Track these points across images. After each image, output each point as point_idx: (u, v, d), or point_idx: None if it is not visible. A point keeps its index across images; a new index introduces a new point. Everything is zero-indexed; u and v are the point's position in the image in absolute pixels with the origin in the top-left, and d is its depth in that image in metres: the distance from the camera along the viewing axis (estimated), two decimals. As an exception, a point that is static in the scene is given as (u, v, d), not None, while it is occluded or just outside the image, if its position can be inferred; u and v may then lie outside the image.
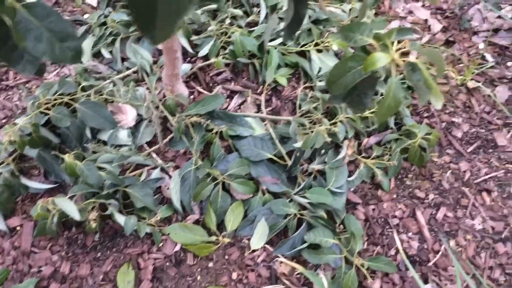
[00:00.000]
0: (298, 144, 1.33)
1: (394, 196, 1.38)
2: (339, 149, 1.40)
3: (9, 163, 1.33)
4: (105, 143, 1.42)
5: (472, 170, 1.43)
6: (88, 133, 1.40)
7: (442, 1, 1.97)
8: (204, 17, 1.72)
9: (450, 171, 1.43)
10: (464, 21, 1.79)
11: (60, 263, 1.22)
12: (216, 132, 1.41)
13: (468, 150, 1.48)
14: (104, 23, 1.68)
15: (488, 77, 1.66)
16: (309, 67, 1.58)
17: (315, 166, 1.36)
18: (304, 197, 1.29)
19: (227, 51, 1.62)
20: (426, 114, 1.57)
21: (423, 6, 1.96)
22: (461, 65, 1.69)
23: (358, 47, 0.76)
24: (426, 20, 1.89)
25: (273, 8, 1.61)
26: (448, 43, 1.79)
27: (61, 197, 1.18)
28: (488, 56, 1.72)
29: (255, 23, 1.74)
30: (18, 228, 1.28)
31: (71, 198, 1.24)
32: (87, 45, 1.63)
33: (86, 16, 1.79)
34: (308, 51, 1.62)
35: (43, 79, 1.61)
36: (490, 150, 1.48)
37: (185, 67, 1.58)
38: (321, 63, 1.59)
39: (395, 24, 1.87)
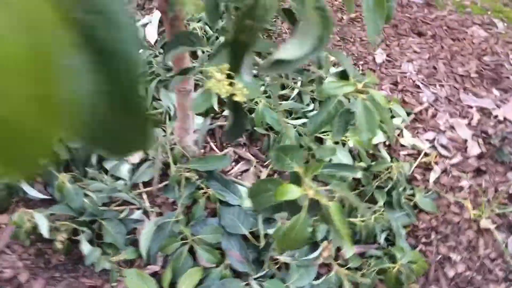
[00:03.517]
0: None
1: (357, 315, 1.32)
2: (316, 247, 1.37)
3: (18, 164, 1.46)
4: (106, 172, 1.51)
5: (451, 315, 1.33)
6: (94, 159, 1.50)
7: (492, 125, 1.88)
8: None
9: (426, 308, 1.34)
10: (503, 153, 1.69)
11: (21, 271, 1.30)
12: (204, 193, 1.45)
13: (455, 293, 1.38)
14: (150, 62, 1.81)
15: (508, 221, 1.54)
16: (319, 155, 1.58)
17: (283, 257, 1.34)
18: (261, 286, 1.27)
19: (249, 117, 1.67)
20: (424, 240, 1.49)
21: (468, 124, 1.88)
22: (485, 199, 1.59)
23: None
24: (465, 141, 1.81)
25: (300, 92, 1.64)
26: (478, 172, 1.70)
27: (39, 212, 1.27)
28: (517, 198, 1.61)
29: (287, 97, 1.78)
30: (2, 226, 1.39)
31: (51, 214, 1.33)
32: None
33: (140, 51, 1.94)
34: (325, 139, 1.61)
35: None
36: (480, 301, 1.37)
37: (199, 122, 1.64)
38: (334, 155, 1.58)
39: (429, 136, 1.81)
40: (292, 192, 0.70)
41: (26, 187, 1.43)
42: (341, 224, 0.69)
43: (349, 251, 0.72)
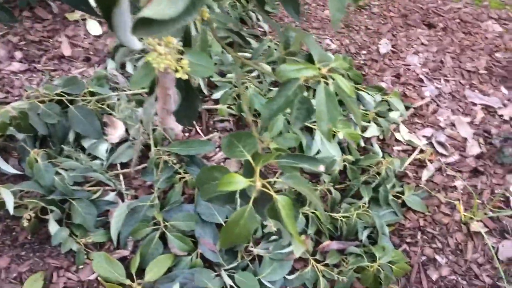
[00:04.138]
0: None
1: (330, 314, 1.26)
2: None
3: (-6, 138, 1.42)
4: (84, 150, 1.46)
5: (430, 321, 1.26)
6: (71, 136, 1.45)
7: (496, 125, 1.78)
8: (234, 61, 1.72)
9: (404, 312, 1.27)
10: (503, 155, 1.60)
11: (-14, 247, 1.27)
12: (181, 178, 1.39)
13: (437, 298, 1.31)
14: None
15: (500, 226, 1.46)
16: (307, 145, 1.51)
17: (257, 249, 1.28)
18: (232, 277, 1.22)
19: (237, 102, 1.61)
20: (409, 240, 1.41)
21: (470, 123, 1.79)
22: (478, 201, 1.51)
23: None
24: (465, 139, 1.72)
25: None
26: (475, 172, 1.61)
27: (5, 187, 1.23)
28: (514, 203, 1.52)
29: (280, 84, 1.70)
30: (-29, 199, 1.36)
31: (20, 191, 1.29)
32: (117, 55, 1.70)
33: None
34: (315, 129, 1.54)
35: (69, 71, 1.70)
36: (463, 308, 1.30)
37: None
38: (322, 146, 1.51)
39: (427, 132, 1.73)
40: (237, 182, 0.63)
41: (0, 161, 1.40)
42: (289, 220, 0.63)
43: (298, 250, 0.66)
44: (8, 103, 1.56)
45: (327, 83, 0.68)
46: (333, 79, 0.69)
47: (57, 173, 1.31)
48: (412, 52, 2.15)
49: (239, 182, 0.63)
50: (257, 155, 0.66)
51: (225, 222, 1.31)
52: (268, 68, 1.05)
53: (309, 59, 0.73)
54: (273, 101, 0.67)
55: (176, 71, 0.61)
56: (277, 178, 0.68)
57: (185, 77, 0.60)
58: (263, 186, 0.66)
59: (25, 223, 1.23)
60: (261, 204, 0.68)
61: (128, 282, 1.23)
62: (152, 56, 0.60)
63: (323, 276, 1.28)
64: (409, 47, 2.18)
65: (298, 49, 0.78)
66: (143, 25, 0.28)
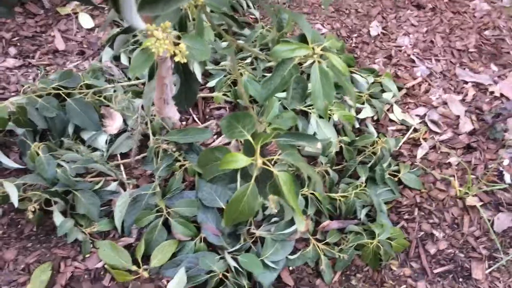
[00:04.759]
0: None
1: (333, 291, 1.29)
2: (293, 222, 1.34)
3: (-6, 134, 1.44)
4: (84, 142, 1.48)
5: (430, 293, 1.30)
6: (70, 129, 1.46)
7: (487, 101, 1.81)
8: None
9: (404, 286, 1.31)
10: (495, 130, 1.63)
11: (-7, 240, 1.30)
12: (181, 165, 1.41)
13: (435, 271, 1.34)
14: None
15: (495, 199, 1.50)
16: (302, 128, 1.53)
17: (259, 231, 1.31)
18: (236, 259, 1.25)
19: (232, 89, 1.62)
20: (407, 216, 1.45)
21: (462, 100, 1.82)
22: (473, 176, 1.54)
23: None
24: (458, 117, 1.75)
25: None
26: (468, 148, 1.64)
27: (9, 181, 1.25)
28: (507, 177, 1.55)
29: (274, 70, 1.72)
30: (-25, 195, 1.37)
31: (23, 184, 1.31)
32: (115, 44, 1.71)
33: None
34: (310, 113, 1.56)
35: (64, 65, 1.71)
36: (461, 280, 1.33)
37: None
38: (318, 129, 1.53)
39: (420, 111, 1.75)
40: (238, 161, 0.66)
41: (0, 156, 1.41)
42: (290, 195, 0.65)
43: (300, 224, 0.68)
44: (5, 99, 1.57)
45: (321, 62, 0.70)
46: (327, 58, 0.72)
47: (59, 166, 1.33)
48: (402, 33, 2.17)
49: (241, 160, 0.66)
50: (257, 134, 0.69)
51: (226, 206, 1.34)
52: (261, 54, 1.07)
53: (302, 39, 0.75)
54: (270, 81, 0.69)
55: (175, 55, 0.63)
56: (277, 156, 0.71)
57: (183, 60, 0.62)
58: (264, 164, 0.68)
59: (30, 215, 1.25)
60: (263, 182, 0.71)
61: (134, 268, 1.26)
62: (150, 41, 0.62)
63: (324, 254, 1.31)
64: (399, 29, 2.19)
65: (291, 30, 0.80)
66: (149, 4, 0.30)
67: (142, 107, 1.44)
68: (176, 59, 0.62)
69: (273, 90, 0.70)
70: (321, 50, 0.71)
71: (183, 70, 0.71)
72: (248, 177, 0.71)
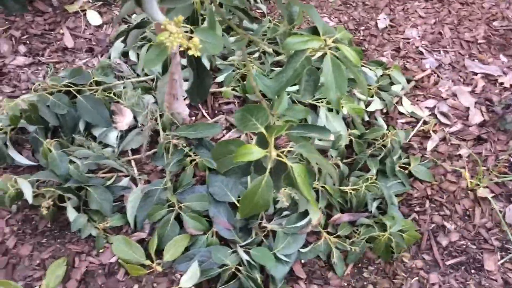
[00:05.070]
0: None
1: (345, 284, 1.30)
2: (305, 215, 1.34)
3: (6, 132, 1.45)
4: (95, 138, 1.49)
5: (442, 286, 1.30)
6: (81, 126, 1.48)
7: (496, 93, 1.80)
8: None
9: (416, 278, 1.31)
10: (505, 121, 1.62)
11: (8, 236, 1.31)
12: (192, 160, 1.42)
13: (447, 263, 1.34)
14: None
15: (506, 190, 1.49)
16: (312, 122, 1.53)
17: (270, 225, 1.31)
18: (248, 253, 1.26)
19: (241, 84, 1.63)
20: (418, 209, 1.45)
21: (472, 92, 1.81)
22: (484, 168, 1.54)
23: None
24: (467, 108, 1.74)
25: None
26: (479, 140, 1.63)
27: (23, 178, 1.27)
28: (519, 167, 1.54)
29: (282, 64, 1.72)
30: (-11, 192, 1.39)
31: (37, 180, 1.33)
32: (119, 43, 1.73)
33: (134, 16, 1.89)
34: (319, 106, 1.57)
35: (73, 63, 1.73)
36: (473, 271, 1.33)
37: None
38: (327, 122, 1.53)
39: (429, 103, 1.75)
40: (253, 153, 0.66)
41: (14, 154, 1.43)
42: (305, 186, 0.66)
43: (314, 215, 0.69)
44: (16, 96, 1.59)
45: (333, 54, 0.70)
46: (338, 50, 0.72)
47: (71, 162, 1.35)
48: (410, 25, 2.16)
49: (255, 153, 0.66)
50: (271, 126, 0.69)
51: (237, 200, 1.35)
52: (270, 47, 1.07)
53: (314, 31, 0.75)
54: (282, 73, 0.70)
55: (188, 49, 0.63)
56: (290, 147, 0.71)
57: (198, 54, 0.62)
58: (277, 156, 0.69)
59: (45, 212, 1.26)
60: (276, 174, 0.71)
61: (148, 262, 1.27)
62: (164, 36, 0.62)
63: (336, 247, 1.31)
64: (407, 21, 2.18)
65: (301, 22, 0.80)
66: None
67: (157, 102, 1.44)
68: (190, 53, 0.62)
69: (286, 82, 0.70)
70: (332, 42, 0.71)
71: (196, 64, 0.71)
72: (262, 170, 0.72)
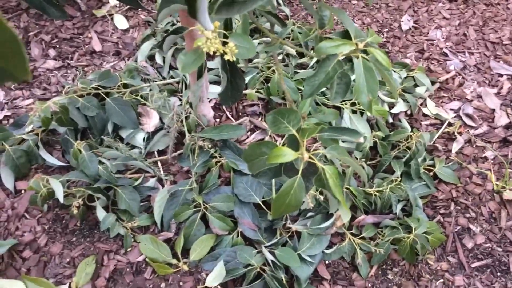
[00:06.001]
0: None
1: (369, 285, 1.30)
2: (329, 217, 1.35)
3: (38, 133, 1.49)
4: (122, 140, 1.53)
5: None
6: (109, 127, 1.51)
7: (523, 94, 1.78)
8: (260, 47, 1.76)
9: (441, 280, 1.31)
10: (533, 124, 1.60)
11: (40, 235, 1.35)
12: (217, 162, 1.44)
13: (473, 265, 1.34)
14: (168, 30, 1.79)
15: (533, 193, 1.47)
16: (336, 124, 1.54)
17: (295, 226, 1.33)
18: (273, 253, 1.27)
19: (265, 86, 1.64)
20: (443, 211, 1.44)
21: (497, 94, 1.79)
22: (510, 170, 1.52)
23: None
24: (493, 110, 1.73)
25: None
26: (504, 142, 1.62)
27: (55, 177, 1.31)
28: (546, 170, 1.52)
29: (305, 66, 1.73)
30: (22, 191, 1.44)
31: (67, 181, 1.37)
32: (145, 47, 1.76)
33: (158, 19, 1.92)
34: (343, 108, 1.57)
35: (101, 66, 1.77)
36: (499, 274, 1.32)
37: (215, 90, 1.63)
38: (351, 124, 1.54)
39: (454, 105, 1.74)
40: (286, 155, 0.68)
41: (45, 154, 1.47)
42: (336, 188, 0.67)
43: (345, 216, 0.70)
44: (47, 99, 1.64)
45: (364, 58, 0.71)
46: (370, 54, 0.73)
47: (100, 163, 1.38)
48: (434, 27, 2.15)
49: (288, 155, 0.68)
50: (303, 129, 0.70)
51: (262, 202, 1.36)
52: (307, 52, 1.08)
53: (345, 35, 0.76)
54: (314, 77, 0.71)
55: (224, 53, 0.65)
56: (321, 151, 0.73)
57: (233, 59, 0.64)
58: (309, 158, 0.70)
59: (75, 211, 1.30)
60: (306, 176, 0.73)
61: (174, 261, 1.29)
62: (201, 41, 0.64)
63: (360, 248, 1.32)
64: (431, 22, 2.17)
65: (332, 26, 0.81)
66: (226, 7, 0.32)
67: (190, 104, 1.47)
68: (226, 57, 0.64)
69: (318, 86, 0.72)
70: (364, 45, 0.72)
71: (229, 68, 0.73)
72: (293, 171, 0.73)
